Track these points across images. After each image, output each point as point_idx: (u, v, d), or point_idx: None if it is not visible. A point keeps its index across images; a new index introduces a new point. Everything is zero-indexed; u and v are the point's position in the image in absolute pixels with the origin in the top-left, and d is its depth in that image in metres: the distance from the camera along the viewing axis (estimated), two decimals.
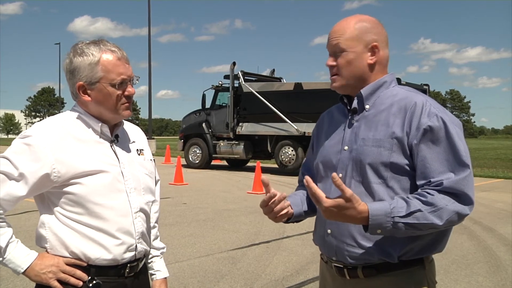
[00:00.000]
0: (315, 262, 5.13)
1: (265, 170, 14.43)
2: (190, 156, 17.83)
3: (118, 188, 1.63)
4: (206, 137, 17.33)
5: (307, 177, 1.46)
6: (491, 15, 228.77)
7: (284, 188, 12.16)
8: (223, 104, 17.14)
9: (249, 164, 18.39)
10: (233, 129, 16.65)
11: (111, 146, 1.68)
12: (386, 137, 1.55)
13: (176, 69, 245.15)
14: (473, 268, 5.21)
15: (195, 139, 17.65)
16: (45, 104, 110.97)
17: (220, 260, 5.39)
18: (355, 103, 1.65)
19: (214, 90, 17.45)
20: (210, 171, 16.76)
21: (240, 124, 16.66)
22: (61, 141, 1.57)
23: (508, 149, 36.81)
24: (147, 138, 1.96)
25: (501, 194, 11.51)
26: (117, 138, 1.71)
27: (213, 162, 18.41)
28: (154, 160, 1.88)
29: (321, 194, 1.43)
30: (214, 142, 17.17)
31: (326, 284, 1.79)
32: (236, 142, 16.62)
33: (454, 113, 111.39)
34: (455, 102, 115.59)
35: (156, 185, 1.89)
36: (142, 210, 1.70)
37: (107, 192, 1.60)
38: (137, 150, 1.78)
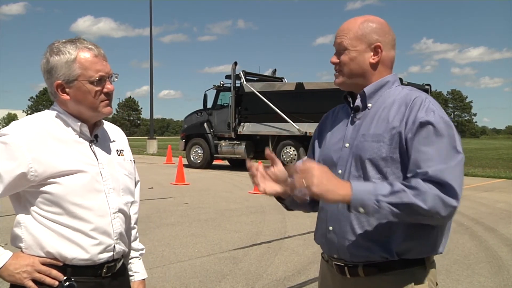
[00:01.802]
0: (316, 262, 5.13)
1: None
2: (191, 156, 17.84)
3: (96, 188, 1.62)
4: (208, 137, 17.34)
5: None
6: (494, 15, 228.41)
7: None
8: (225, 104, 17.14)
9: None
10: (235, 129, 16.65)
11: (90, 146, 1.66)
12: (385, 133, 1.56)
13: (178, 69, 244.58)
14: (475, 269, 5.20)
15: (197, 139, 17.66)
16: (46, 104, 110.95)
17: (222, 260, 5.40)
18: (358, 101, 1.67)
19: (215, 90, 17.46)
20: (212, 171, 16.76)
21: (242, 124, 16.66)
22: (39, 140, 1.56)
23: (510, 149, 36.75)
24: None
25: (503, 194, 11.49)
26: (96, 138, 1.69)
27: (215, 162, 18.40)
28: (134, 161, 1.87)
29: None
30: (215, 142, 17.17)
31: (326, 284, 1.79)
32: (237, 142, 16.62)
33: (455, 113, 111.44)
34: (457, 102, 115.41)
35: (136, 186, 1.88)
36: (121, 210, 1.69)
37: (85, 192, 1.59)
38: (117, 150, 1.77)
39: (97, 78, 1.60)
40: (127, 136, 1.90)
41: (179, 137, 19.28)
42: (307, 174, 1.43)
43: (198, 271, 4.97)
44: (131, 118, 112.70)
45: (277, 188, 1.64)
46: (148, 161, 21.74)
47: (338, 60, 1.67)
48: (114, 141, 1.78)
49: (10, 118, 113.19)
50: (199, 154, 17.65)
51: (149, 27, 28.26)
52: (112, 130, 1.82)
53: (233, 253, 5.70)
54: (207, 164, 17.50)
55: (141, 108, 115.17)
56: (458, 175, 1.46)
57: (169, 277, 4.78)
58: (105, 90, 1.63)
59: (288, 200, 1.75)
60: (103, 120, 1.75)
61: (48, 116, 1.65)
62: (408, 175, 1.50)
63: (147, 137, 32.88)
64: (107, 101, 1.65)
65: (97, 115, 1.66)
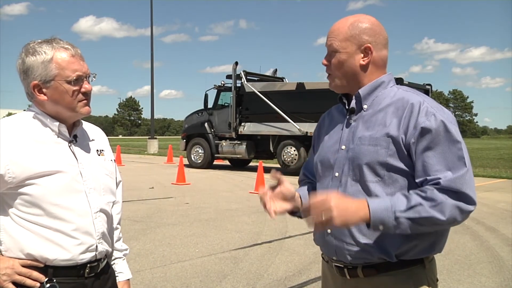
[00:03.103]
0: (317, 262, 5.13)
1: (267, 170, 14.41)
2: (192, 156, 17.85)
3: (76, 189, 1.61)
4: (208, 137, 17.34)
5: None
6: (495, 15, 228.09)
7: None
8: (226, 104, 17.15)
9: (251, 164, 18.39)
10: (235, 129, 16.65)
11: (69, 146, 1.65)
12: (382, 136, 1.56)
13: (179, 69, 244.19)
14: (476, 268, 5.20)
15: (197, 139, 17.67)
16: None
17: (223, 260, 5.40)
18: (353, 103, 1.67)
19: (216, 90, 17.47)
20: (212, 171, 16.76)
21: (242, 124, 16.66)
22: (16, 142, 1.55)
23: (511, 149, 36.71)
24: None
25: (504, 194, 11.48)
26: (75, 138, 1.68)
27: (215, 162, 18.42)
28: (114, 160, 1.87)
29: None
30: (216, 142, 17.18)
31: (328, 284, 1.80)
32: (238, 142, 16.62)
33: (457, 113, 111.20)
34: (458, 102, 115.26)
35: (118, 186, 1.87)
36: (102, 210, 1.68)
37: (65, 193, 1.58)
38: (97, 150, 1.76)
39: (74, 77, 1.59)
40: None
41: (180, 137, 19.29)
42: (324, 208, 1.44)
43: (199, 271, 4.98)
44: (132, 118, 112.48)
45: (286, 206, 1.66)
46: (148, 161, 21.76)
47: (329, 63, 1.67)
48: (93, 140, 1.77)
49: None
50: (200, 154, 17.65)
51: (150, 27, 28.33)
52: (92, 130, 1.81)
53: (234, 253, 5.71)
54: (207, 164, 17.50)
55: (142, 108, 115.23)
56: (469, 180, 1.48)
57: (170, 277, 4.79)
58: (82, 89, 1.62)
59: (300, 213, 1.77)
60: (82, 120, 1.74)
61: (25, 117, 1.64)
62: (418, 180, 1.51)
63: (148, 137, 32.86)
64: (85, 101, 1.64)
65: (75, 115, 1.65)
